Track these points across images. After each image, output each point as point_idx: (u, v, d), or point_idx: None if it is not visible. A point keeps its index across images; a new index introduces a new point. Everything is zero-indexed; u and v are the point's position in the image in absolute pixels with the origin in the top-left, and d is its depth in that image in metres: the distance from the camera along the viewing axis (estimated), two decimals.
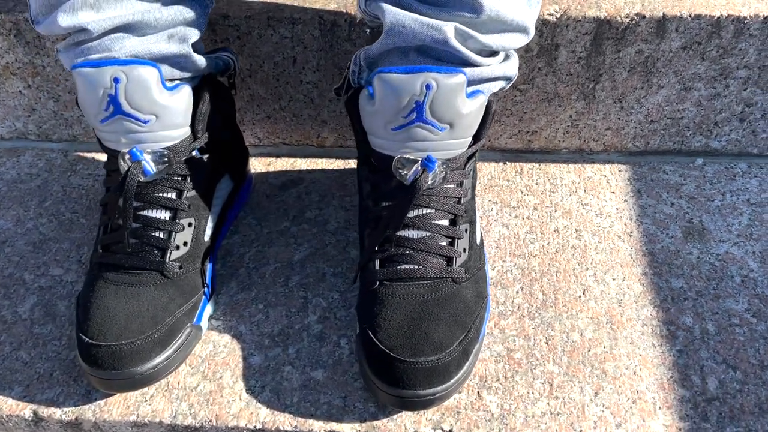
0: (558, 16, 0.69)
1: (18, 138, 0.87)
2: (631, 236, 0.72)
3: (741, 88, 0.73)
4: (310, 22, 0.71)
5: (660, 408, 0.57)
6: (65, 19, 0.57)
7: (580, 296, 0.66)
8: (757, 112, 0.76)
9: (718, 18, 0.68)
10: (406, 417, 0.57)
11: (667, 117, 0.77)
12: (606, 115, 0.77)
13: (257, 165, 0.82)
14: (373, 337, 0.56)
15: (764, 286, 0.66)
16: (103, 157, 0.85)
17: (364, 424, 0.57)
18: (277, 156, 0.84)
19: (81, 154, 0.85)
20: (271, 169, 0.82)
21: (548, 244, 0.71)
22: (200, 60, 0.61)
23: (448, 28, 0.54)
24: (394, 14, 0.55)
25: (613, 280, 0.68)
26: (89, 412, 0.59)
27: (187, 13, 0.60)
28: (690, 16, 0.68)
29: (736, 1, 0.69)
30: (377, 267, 0.59)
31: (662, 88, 0.74)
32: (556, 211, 0.75)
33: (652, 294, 0.66)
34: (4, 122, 0.85)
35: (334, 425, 0.57)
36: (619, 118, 0.77)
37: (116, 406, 0.59)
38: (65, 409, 0.59)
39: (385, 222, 0.58)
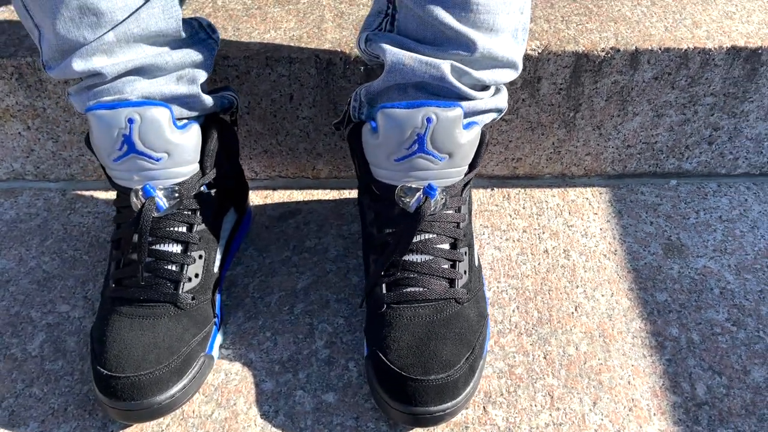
0: (540, 51, 0.74)
1: (15, 179, 0.88)
2: (615, 254, 0.76)
3: (708, 113, 0.79)
4: (306, 61, 0.75)
5: (655, 414, 0.61)
6: (79, 65, 0.59)
7: (572, 312, 0.70)
8: (724, 135, 0.81)
9: (686, 50, 0.74)
10: None
11: (642, 142, 0.82)
12: (586, 142, 0.82)
13: (255, 198, 0.85)
14: (383, 358, 0.59)
15: (741, 297, 0.71)
16: (101, 194, 0.87)
17: None
18: (274, 189, 0.87)
19: (79, 192, 0.87)
20: (269, 201, 0.85)
21: (539, 264, 0.75)
22: (208, 99, 0.64)
23: (445, 66, 0.58)
24: (394, 53, 0.59)
25: (602, 296, 0.72)
26: None
27: (195, 55, 0.63)
28: (660, 49, 0.73)
29: (701, 34, 0.75)
30: (384, 291, 0.62)
31: (637, 116, 0.79)
32: (544, 233, 0.79)
33: (639, 308, 0.70)
34: (2, 164, 0.86)
35: None
36: (598, 144, 0.82)
37: None
38: None
39: (392, 247, 0.61)
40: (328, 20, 0.81)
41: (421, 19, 0.59)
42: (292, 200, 0.85)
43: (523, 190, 0.85)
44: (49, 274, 0.76)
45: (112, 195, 0.86)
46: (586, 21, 0.78)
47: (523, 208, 0.83)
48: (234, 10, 0.83)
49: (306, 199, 0.85)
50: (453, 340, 0.60)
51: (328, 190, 0.86)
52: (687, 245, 0.77)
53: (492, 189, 0.85)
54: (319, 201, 0.85)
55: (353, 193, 0.86)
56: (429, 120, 0.58)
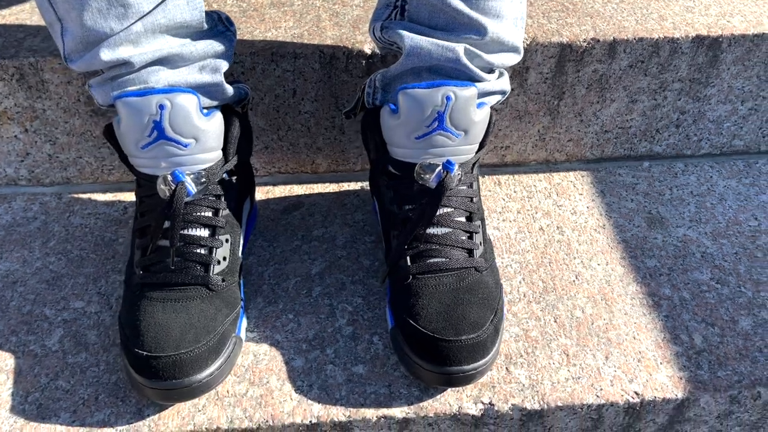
0: (528, 42, 0.80)
1: (7, 185, 0.87)
2: (604, 228, 0.82)
3: (676, 98, 0.87)
4: (311, 56, 0.78)
5: (661, 363, 0.66)
6: (107, 54, 0.61)
7: (574, 280, 0.75)
8: (690, 118, 0.89)
9: (657, 40, 0.81)
10: (449, 395, 0.63)
11: (618, 127, 0.89)
12: (568, 128, 0.88)
13: (256, 193, 0.87)
14: (415, 324, 0.62)
15: (720, 259, 0.78)
16: (99, 196, 0.87)
17: (412, 407, 0.62)
18: (274, 184, 0.89)
19: (76, 195, 0.87)
20: (270, 196, 0.87)
21: (537, 240, 0.80)
22: (229, 89, 0.67)
23: (460, 49, 0.63)
24: (411, 38, 0.63)
25: (599, 265, 0.77)
26: (145, 427, 0.61)
27: (217, 46, 0.65)
28: (634, 39, 0.81)
29: (668, 25, 0.83)
30: (409, 263, 0.65)
31: (614, 102, 0.86)
32: (536, 213, 0.84)
33: (633, 273, 0.76)
34: None
35: (384, 411, 0.62)
36: (579, 130, 0.89)
37: (171, 419, 0.61)
38: (119, 428, 0.60)
39: (414, 222, 0.64)
40: (324, 19, 0.84)
41: (434, 7, 0.63)
42: (294, 194, 0.87)
43: (512, 177, 0.90)
44: (57, 273, 0.76)
45: (110, 197, 0.86)
46: (565, 16, 0.85)
47: (514, 192, 0.88)
48: (231, 12, 0.86)
49: (307, 193, 0.88)
50: (478, 304, 0.63)
51: (328, 184, 0.89)
52: (666, 218, 0.84)
53: (483, 176, 0.90)
54: (321, 194, 0.87)
55: (352, 186, 0.89)
56: (448, 98, 0.62)
